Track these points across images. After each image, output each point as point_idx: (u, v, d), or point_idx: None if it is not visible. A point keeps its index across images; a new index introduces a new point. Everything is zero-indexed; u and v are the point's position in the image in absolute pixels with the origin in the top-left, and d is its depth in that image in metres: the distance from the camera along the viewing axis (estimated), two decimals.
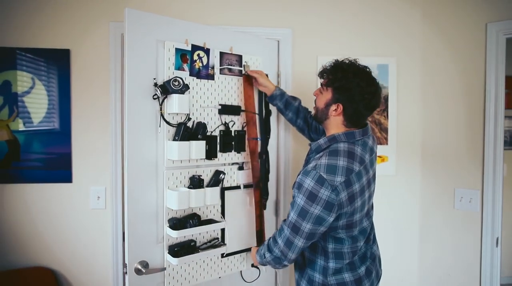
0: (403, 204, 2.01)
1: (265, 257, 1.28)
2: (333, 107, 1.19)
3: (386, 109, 1.98)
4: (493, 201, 1.78)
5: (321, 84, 1.25)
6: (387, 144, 1.98)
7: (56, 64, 1.78)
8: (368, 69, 1.21)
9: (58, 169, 1.81)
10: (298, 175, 1.15)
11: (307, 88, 1.94)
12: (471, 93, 1.86)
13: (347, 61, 1.21)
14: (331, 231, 1.18)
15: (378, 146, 1.98)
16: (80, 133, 1.82)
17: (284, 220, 1.21)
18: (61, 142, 1.81)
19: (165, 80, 1.40)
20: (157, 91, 1.39)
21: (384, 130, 1.98)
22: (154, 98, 1.41)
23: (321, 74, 1.25)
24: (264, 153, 1.75)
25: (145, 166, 1.44)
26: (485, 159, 1.80)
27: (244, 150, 1.68)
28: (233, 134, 1.65)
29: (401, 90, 1.99)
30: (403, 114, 2.00)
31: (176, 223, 1.43)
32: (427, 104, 1.99)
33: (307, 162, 1.34)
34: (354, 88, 1.15)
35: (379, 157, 1.98)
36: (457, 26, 1.89)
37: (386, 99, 1.98)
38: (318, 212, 1.08)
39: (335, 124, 1.22)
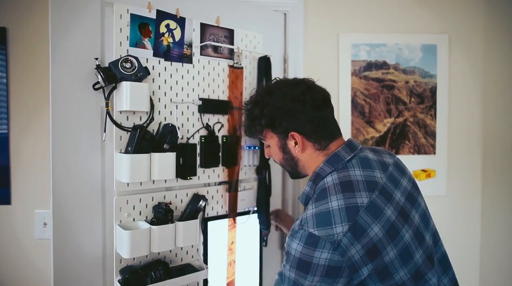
0: (456, 238, 1.48)
1: None
2: (291, 144, 0.86)
3: (433, 106, 1.45)
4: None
5: (260, 139, 0.99)
6: (434, 153, 1.46)
7: None
8: (275, 79, 0.96)
9: None
10: None
11: (324, 77, 1.43)
12: None
13: (252, 96, 0.95)
14: None
15: (423, 156, 1.45)
16: (22, 138, 1.36)
17: None
18: None
19: (111, 61, 0.92)
20: (98, 77, 0.91)
21: (431, 134, 1.45)
22: (96, 89, 0.94)
23: (248, 130, 0.96)
24: (264, 167, 1.25)
25: (84, 189, 0.96)
26: None
27: (236, 164, 1.18)
28: (220, 141, 1.16)
29: (454, 80, 1.46)
30: (458, 112, 1.46)
31: (130, 278, 0.95)
32: (492, 99, 1.45)
33: None
34: (283, 103, 0.85)
35: (423, 171, 1.46)
36: None
37: (433, 92, 1.45)
38: (318, 284, 0.73)
39: (309, 159, 0.87)
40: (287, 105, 0.84)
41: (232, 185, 1.18)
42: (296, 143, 0.85)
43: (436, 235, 0.86)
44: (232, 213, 1.18)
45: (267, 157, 0.96)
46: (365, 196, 0.75)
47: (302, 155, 0.86)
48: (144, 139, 0.94)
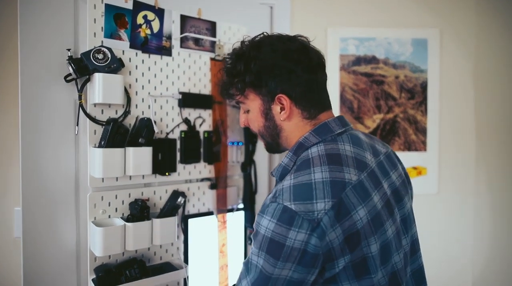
0: (448, 238, 1.44)
1: None
2: (276, 109, 0.72)
3: (423, 101, 1.42)
4: None
5: (236, 102, 0.80)
6: (425, 150, 1.42)
7: None
8: (263, 33, 0.77)
9: None
10: None
11: None
12: None
13: (235, 49, 0.76)
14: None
15: (413, 153, 1.42)
16: (0, 131, 1.33)
17: None
18: None
19: (82, 52, 0.89)
20: (69, 68, 0.88)
21: (422, 131, 1.42)
22: (68, 81, 0.91)
23: (225, 90, 0.79)
24: (249, 164, 1.21)
25: (56, 185, 0.93)
26: None
27: (219, 160, 1.15)
28: (201, 136, 1.12)
29: (446, 75, 1.42)
30: (449, 108, 1.43)
31: (104, 277, 0.91)
32: (484, 94, 1.41)
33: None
34: (273, 60, 0.70)
35: (414, 168, 1.42)
36: None
37: (423, 87, 1.41)
38: (289, 273, 0.59)
39: (295, 129, 0.73)
40: (277, 62, 0.70)
41: (219, 182, 1.15)
42: (282, 109, 0.71)
43: (416, 244, 0.76)
44: (221, 212, 1.15)
45: (242, 126, 0.81)
46: (354, 173, 0.63)
47: (287, 123, 0.73)
48: (118, 133, 0.91)
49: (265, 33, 0.76)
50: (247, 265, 0.64)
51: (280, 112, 0.71)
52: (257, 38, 0.74)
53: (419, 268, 0.75)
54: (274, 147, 0.78)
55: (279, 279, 0.59)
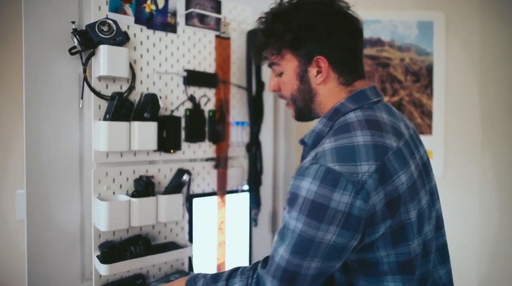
0: (454, 222, 1.42)
1: None
2: (312, 72, 0.70)
3: (429, 84, 1.41)
4: None
5: (269, 64, 0.77)
6: (430, 133, 1.41)
7: None
8: None
9: None
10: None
11: None
12: None
13: (272, 8, 0.73)
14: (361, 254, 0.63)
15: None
16: (2, 114, 1.32)
17: (262, 264, 0.67)
18: None
19: (87, 24, 0.88)
20: (74, 40, 0.87)
21: (427, 114, 1.41)
22: (72, 53, 0.89)
23: (258, 52, 0.77)
24: (254, 144, 1.20)
25: (60, 161, 0.92)
26: None
27: (223, 139, 1.14)
28: (206, 115, 1.11)
29: (451, 57, 1.41)
30: (455, 91, 1.42)
31: (108, 252, 0.90)
32: (490, 77, 1.40)
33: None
34: (314, 20, 0.68)
35: None
36: None
37: (429, 70, 1.40)
38: (333, 237, 0.57)
39: (330, 94, 0.71)
40: (319, 23, 0.68)
41: (220, 162, 1.14)
42: (319, 72, 0.69)
43: (440, 220, 0.74)
44: (220, 190, 1.14)
45: (271, 90, 0.78)
46: (394, 140, 0.62)
47: (322, 87, 0.70)
48: (123, 107, 0.90)
49: None
50: (282, 233, 0.62)
51: (316, 76, 0.69)
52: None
53: (444, 245, 0.74)
54: (305, 113, 0.75)
55: (322, 243, 0.57)
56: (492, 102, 1.41)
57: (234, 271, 0.70)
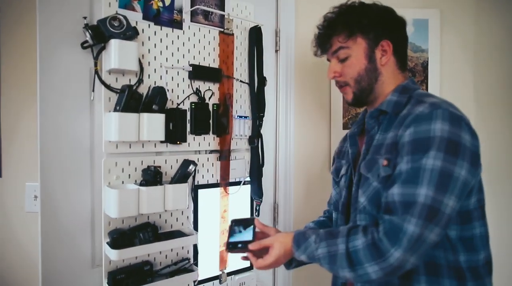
0: None
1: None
2: (378, 53, 0.81)
3: (424, 80, 1.46)
4: None
5: (335, 50, 0.84)
6: None
7: None
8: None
9: None
10: (402, 131, 0.71)
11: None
12: None
13: (342, 4, 0.86)
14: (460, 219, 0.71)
15: None
16: (11, 109, 1.35)
17: (388, 213, 0.67)
18: None
19: (99, 19, 0.92)
20: (86, 35, 0.91)
21: None
22: (84, 47, 0.93)
23: (325, 38, 0.85)
24: (256, 137, 1.25)
25: (72, 151, 0.96)
26: None
27: (227, 132, 1.18)
28: (210, 109, 1.16)
29: (446, 55, 1.46)
30: (450, 88, 1.47)
31: (118, 238, 0.94)
32: (484, 74, 1.46)
33: (367, 146, 0.80)
34: (382, 11, 0.83)
35: None
36: None
37: (424, 67, 1.45)
38: (465, 173, 0.65)
39: (391, 75, 0.83)
40: (387, 14, 0.82)
41: (223, 154, 1.18)
42: (383, 55, 0.80)
43: None
44: (224, 181, 1.18)
45: (331, 77, 0.86)
46: None
47: (385, 68, 0.81)
48: (133, 98, 0.94)
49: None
50: (412, 177, 0.65)
51: (381, 57, 0.80)
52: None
53: None
54: (365, 93, 0.82)
55: (459, 179, 0.63)
56: (486, 98, 1.46)
57: (351, 228, 0.71)
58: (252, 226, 0.85)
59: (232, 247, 0.81)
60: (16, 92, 1.32)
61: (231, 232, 0.86)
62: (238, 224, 0.87)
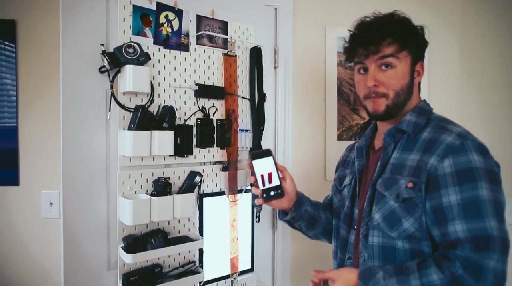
0: None
1: None
2: (415, 72, 0.85)
3: None
4: None
5: (385, 56, 0.80)
6: None
7: None
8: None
9: (2, 169, 1.46)
10: (434, 159, 0.73)
11: (312, 67, 1.54)
12: None
13: (380, 15, 0.89)
14: None
15: None
16: (29, 125, 1.46)
17: (469, 248, 0.66)
18: (5, 135, 1.45)
19: (115, 47, 1.02)
20: (104, 61, 1.01)
21: None
22: (102, 72, 1.04)
23: (373, 45, 0.80)
24: (257, 149, 1.35)
25: (90, 165, 1.06)
26: None
27: (230, 145, 1.28)
28: (214, 124, 1.26)
29: (434, 70, 1.57)
30: (436, 101, 1.57)
31: (132, 243, 1.04)
32: (471, 91, 1.56)
33: (385, 161, 0.82)
34: (422, 33, 0.86)
35: None
36: None
37: None
38: (504, 198, 0.71)
39: (416, 93, 0.87)
40: (423, 36, 0.85)
41: (230, 165, 1.28)
42: (418, 73, 0.84)
43: None
44: (232, 191, 1.28)
45: (371, 84, 0.81)
46: None
47: (415, 88, 0.85)
48: (146, 118, 1.05)
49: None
50: (475, 206, 0.67)
51: (416, 77, 0.84)
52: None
53: None
54: (398, 107, 0.82)
55: (504, 205, 0.68)
56: (472, 112, 1.57)
57: (420, 263, 0.70)
58: (272, 160, 0.88)
59: (266, 196, 0.87)
60: (41, 110, 1.44)
61: (255, 173, 0.87)
62: (258, 157, 0.87)
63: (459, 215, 0.68)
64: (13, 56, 1.44)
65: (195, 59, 1.22)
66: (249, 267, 1.37)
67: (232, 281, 1.29)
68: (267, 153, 0.88)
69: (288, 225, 1.06)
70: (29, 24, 1.44)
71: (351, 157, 0.97)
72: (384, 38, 0.79)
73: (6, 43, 1.43)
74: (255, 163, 0.86)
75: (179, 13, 1.17)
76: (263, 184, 0.87)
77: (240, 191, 1.33)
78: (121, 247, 1.06)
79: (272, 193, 0.87)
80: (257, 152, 0.88)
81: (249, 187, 1.36)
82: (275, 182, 0.87)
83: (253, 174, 0.87)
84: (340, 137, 1.54)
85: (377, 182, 0.81)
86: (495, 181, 0.69)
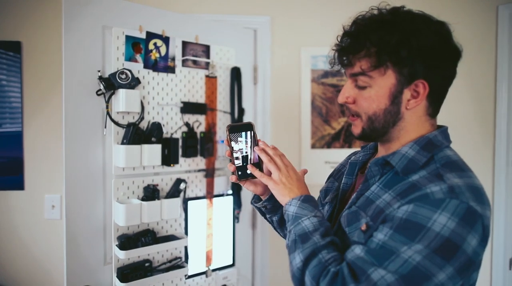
0: None
1: None
2: (407, 94, 0.62)
3: None
4: (506, 216, 1.53)
5: (355, 74, 0.64)
6: None
7: (5, 58, 1.59)
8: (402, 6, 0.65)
9: (8, 175, 1.62)
10: (399, 204, 0.58)
11: (288, 83, 1.71)
12: (480, 90, 1.60)
13: (383, 11, 0.64)
14: None
15: None
16: (33, 134, 1.62)
17: (351, 277, 0.55)
18: (12, 144, 1.61)
19: (110, 73, 1.19)
20: (100, 85, 1.18)
21: None
22: (99, 94, 1.20)
23: (347, 55, 0.64)
24: None
25: (89, 173, 1.23)
26: (496, 165, 1.55)
27: (212, 154, 1.45)
28: (198, 136, 1.43)
29: None
30: None
31: (125, 242, 1.21)
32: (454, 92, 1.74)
33: (363, 197, 0.66)
34: (429, 39, 0.60)
35: None
36: (467, 8, 1.64)
37: None
38: (444, 279, 0.53)
39: (415, 122, 0.65)
40: (437, 45, 0.60)
41: (209, 172, 1.45)
42: (413, 96, 0.62)
43: None
44: (209, 194, 1.45)
45: (342, 101, 0.67)
46: None
47: (410, 113, 0.63)
48: (137, 133, 1.21)
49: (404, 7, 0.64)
50: (380, 254, 0.54)
51: (410, 100, 0.62)
52: (403, 9, 0.63)
53: None
54: (376, 134, 0.66)
55: (435, 282, 0.52)
56: (458, 111, 1.73)
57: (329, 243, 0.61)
58: (251, 135, 0.74)
59: (241, 174, 0.73)
60: (44, 126, 1.60)
61: (232, 149, 0.73)
62: (235, 131, 0.73)
63: (367, 248, 0.57)
64: (18, 75, 1.60)
65: (180, 80, 1.38)
66: (231, 262, 1.55)
67: (206, 273, 1.45)
68: (247, 127, 0.74)
69: (260, 214, 0.90)
70: (33, 44, 1.60)
71: (346, 169, 0.79)
72: (358, 49, 0.61)
73: (11, 58, 1.59)
74: (233, 136, 0.73)
75: (166, 40, 1.34)
76: (240, 161, 0.73)
77: (221, 195, 1.51)
78: (116, 245, 1.23)
79: (248, 172, 0.73)
80: (236, 124, 0.75)
81: (229, 192, 1.53)
82: (253, 159, 0.73)
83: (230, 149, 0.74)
84: (313, 146, 1.72)
85: (343, 214, 0.68)
86: (445, 254, 0.52)
